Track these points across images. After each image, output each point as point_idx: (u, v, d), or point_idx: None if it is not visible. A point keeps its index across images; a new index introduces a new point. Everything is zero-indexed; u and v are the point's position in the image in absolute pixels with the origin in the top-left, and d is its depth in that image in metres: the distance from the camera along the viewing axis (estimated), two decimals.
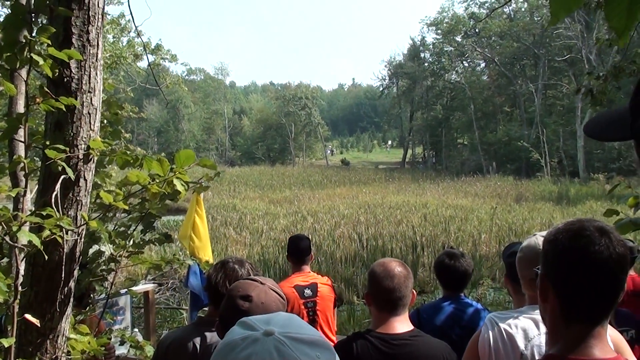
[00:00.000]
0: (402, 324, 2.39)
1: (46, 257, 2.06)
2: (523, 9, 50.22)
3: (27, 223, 2.05)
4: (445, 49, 54.73)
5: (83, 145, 2.23)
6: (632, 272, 2.93)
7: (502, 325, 2.17)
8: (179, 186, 2.47)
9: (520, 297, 2.35)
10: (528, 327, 2.15)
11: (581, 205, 23.37)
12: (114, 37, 13.39)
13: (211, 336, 2.45)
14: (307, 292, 4.14)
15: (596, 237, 1.29)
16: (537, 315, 2.12)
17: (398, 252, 13.93)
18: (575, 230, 1.33)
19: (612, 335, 1.80)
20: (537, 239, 2.16)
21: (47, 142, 2.13)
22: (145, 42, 12.59)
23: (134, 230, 2.94)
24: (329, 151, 77.95)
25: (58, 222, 2.00)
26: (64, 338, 2.36)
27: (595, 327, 1.31)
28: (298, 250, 4.28)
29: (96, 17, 2.25)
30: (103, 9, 2.31)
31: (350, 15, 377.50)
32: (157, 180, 2.45)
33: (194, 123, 73.71)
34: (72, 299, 2.37)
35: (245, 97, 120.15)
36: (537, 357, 2.06)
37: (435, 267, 3.47)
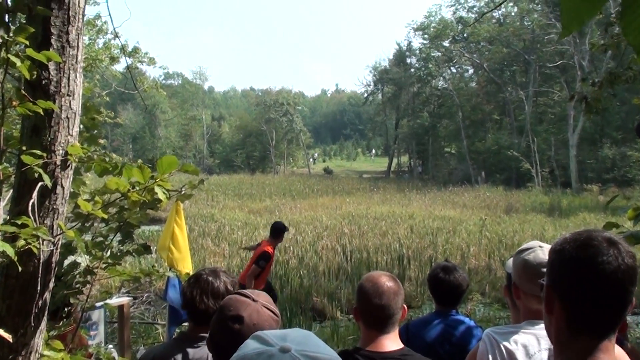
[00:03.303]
0: (391, 342, 2.37)
1: (20, 269, 2.03)
2: (513, 14, 49.86)
3: (0, 232, 2.03)
4: (433, 54, 54.62)
5: (61, 151, 2.21)
6: None
7: (502, 342, 2.15)
8: (160, 194, 2.45)
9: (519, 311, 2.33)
10: (529, 343, 2.13)
11: (574, 217, 23.45)
12: (89, 39, 13.32)
13: (193, 352, 2.44)
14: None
15: (604, 248, 1.29)
16: (537, 330, 2.12)
17: (384, 265, 13.92)
18: (583, 240, 1.32)
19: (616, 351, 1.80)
20: (539, 250, 2.17)
21: (24, 148, 2.11)
22: (123, 45, 12.54)
23: (112, 240, 2.92)
24: (311, 159, 77.49)
25: (35, 232, 1.98)
26: (37, 354, 2.33)
27: (603, 341, 1.31)
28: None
29: (76, 17, 2.23)
30: (84, 9, 2.29)
31: (333, 19, 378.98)
32: (138, 188, 2.43)
33: (171, 129, 73.40)
34: (46, 313, 2.35)
35: (225, 103, 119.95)
36: None
37: (429, 280, 3.45)
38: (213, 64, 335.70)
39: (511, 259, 2.39)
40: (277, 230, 8.46)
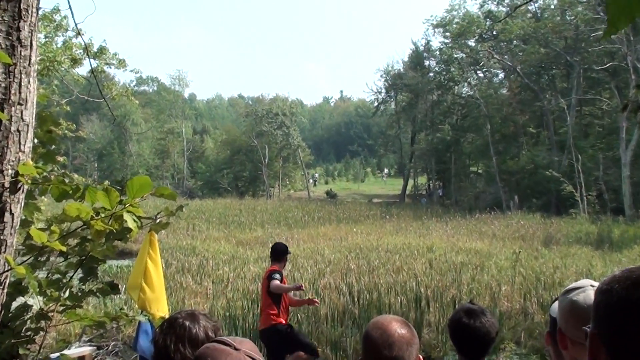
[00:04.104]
0: None
1: None
2: (552, 6, 49.38)
3: None
4: (455, 55, 54.97)
5: (10, 171, 2.17)
6: None
7: None
8: (130, 222, 2.43)
9: None
10: None
11: (628, 251, 23.13)
12: (46, 37, 13.36)
13: None
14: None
15: None
16: None
17: (397, 308, 13.83)
18: (636, 278, 1.29)
19: None
20: (591, 290, 2.14)
21: None
22: (87, 43, 12.57)
23: (72, 278, 2.89)
24: (311, 181, 78.42)
25: None
26: None
27: None
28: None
29: (29, 12, 2.20)
30: (38, 1, 2.28)
31: (337, 14, 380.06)
32: (103, 215, 2.42)
33: (144, 145, 73.78)
34: None
35: (209, 113, 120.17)
36: None
37: (450, 327, 3.40)
38: (195, 68, 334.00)
39: (557, 301, 2.36)
40: (278, 253, 8.79)
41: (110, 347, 11.29)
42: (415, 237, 28.18)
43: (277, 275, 8.27)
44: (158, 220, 2.77)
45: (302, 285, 8.33)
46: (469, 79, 57.12)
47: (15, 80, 2.19)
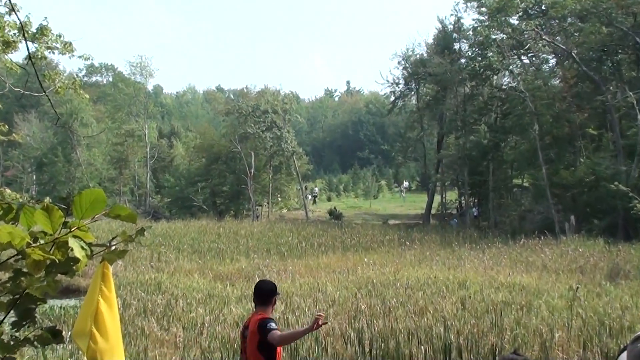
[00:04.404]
0: None
1: None
2: None
3: None
4: (494, 36, 54.09)
5: None
6: None
7: None
8: (77, 251, 2.43)
9: None
10: None
11: None
12: None
13: None
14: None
15: None
16: None
17: None
18: None
19: None
20: None
21: None
22: (22, 22, 12.60)
23: (2, 322, 2.88)
24: (309, 197, 78.60)
25: None
26: None
27: None
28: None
29: None
30: None
31: None
32: (43, 242, 2.41)
33: (96, 151, 74.17)
34: None
35: (179, 111, 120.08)
36: None
37: None
38: (162, 53, 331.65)
39: (625, 351, 2.34)
40: (264, 294, 8.13)
41: None
42: (443, 269, 28.18)
43: (274, 325, 7.54)
44: (113, 248, 2.75)
45: (322, 315, 7.42)
46: (510, 67, 55.93)
47: None
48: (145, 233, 2.66)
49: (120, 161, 75.25)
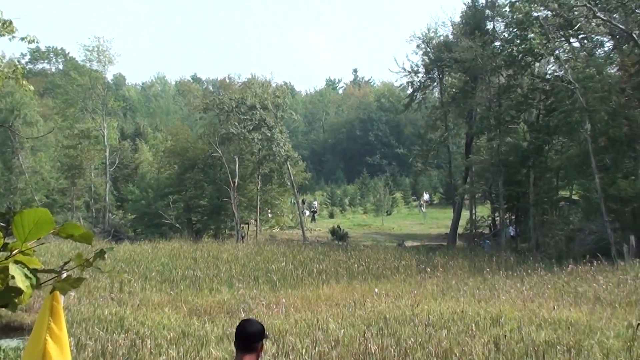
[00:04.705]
0: None
1: None
2: None
3: None
4: (535, 13, 53.85)
5: None
6: None
7: None
8: (19, 279, 2.43)
9: None
10: None
11: None
12: None
13: None
14: None
15: None
16: None
17: None
18: None
19: None
20: None
21: None
22: None
23: None
24: (307, 213, 79.02)
25: None
26: None
27: None
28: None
29: None
30: None
31: None
32: None
33: (43, 156, 74.32)
34: None
35: (145, 106, 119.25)
36: None
37: None
38: (124, 35, 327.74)
39: None
40: (250, 338, 7.49)
41: None
42: (472, 301, 28.06)
43: None
44: (65, 275, 2.76)
45: None
46: (557, 52, 55.22)
47: None
48: (105, 256, 2.68)
49: (72, 168, 74.58)
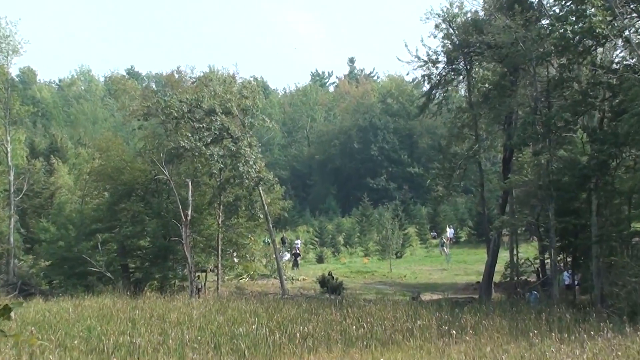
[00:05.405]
0: None
1: None
2: None
3: None
4: None
5: None
6: None
7: None
8: None
9: None
10: None
11: None
12: None
13: None
14: None
15: None
16: None
17: None
18: None
19: None
20: None
21: None
22: None
23: None
24: (287, 255, 76.79)
25: None
26: None
27: None
28: None
29: None
30: None
31: None
32: None
33: None
34: None
35: (63, 111, 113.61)
36: None
37: None
38: (34, 15, 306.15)
39: None
40: None
41: None
42: None
43: None
44: None
45: None
46: (626, 32, 48.56)
47: None
48: (11, 317, 2.09)
49: None
